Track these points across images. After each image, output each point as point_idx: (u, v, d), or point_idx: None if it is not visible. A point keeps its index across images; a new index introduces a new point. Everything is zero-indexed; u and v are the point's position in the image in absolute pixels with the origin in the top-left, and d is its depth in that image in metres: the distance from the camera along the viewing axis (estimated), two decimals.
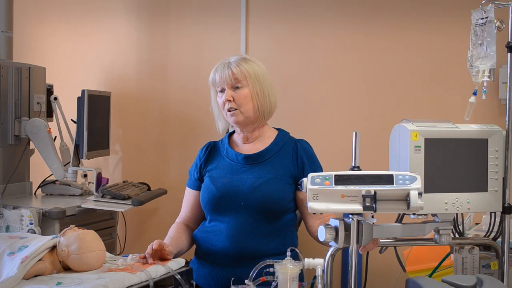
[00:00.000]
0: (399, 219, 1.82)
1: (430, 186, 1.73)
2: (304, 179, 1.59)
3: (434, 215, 1.77)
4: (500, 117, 2.71)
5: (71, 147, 3.32)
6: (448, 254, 2.00)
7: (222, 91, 2.24)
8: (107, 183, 3.33)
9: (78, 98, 3.25)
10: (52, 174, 3.21)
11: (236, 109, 2.21)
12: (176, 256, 2.07)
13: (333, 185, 1.56)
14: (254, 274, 1.76)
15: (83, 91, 3.23)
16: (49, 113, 3.37)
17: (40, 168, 3.33)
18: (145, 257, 1.91)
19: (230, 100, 2.20)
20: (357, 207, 1.56)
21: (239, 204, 2.17)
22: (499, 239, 1.87)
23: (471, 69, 1.87)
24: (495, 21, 1.81)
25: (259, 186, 2.17)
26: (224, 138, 2.36)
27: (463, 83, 2.69)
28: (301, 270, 1.75)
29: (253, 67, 2.24)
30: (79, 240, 1.83)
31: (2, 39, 3.25)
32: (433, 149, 1.74)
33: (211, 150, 2.34)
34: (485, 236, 1.91)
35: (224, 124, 2.31)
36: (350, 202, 1.56)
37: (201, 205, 2.27)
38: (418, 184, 1.55)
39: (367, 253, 1.93)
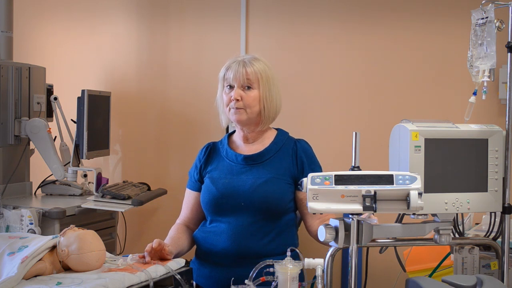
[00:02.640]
0: (399, 219, 1.82)
1: (430, 186, 1.73)
2: (304, 179, 1.58)
3: (434, 215, 1.77)
4: (500, 117, 2.71)
5: (71, 147, 3.32)
6: (448, 254, 2.00)
7: (231, 87, 2.23)
8: (107, 183, 3.33)
9: (78, 98, 3.25)
10: (52, 174, 3.21)
11: (241, 108, 2.21)
12: (176, 256, 2.07)
13: (333, 185, 1.56)
14: (254, 274, 1.76)
15: (83, 91, 3.23)
16: (49, 113, 3.37)
17: (40, 168, 3.33)
18: (144, 257, 1.91)
19: (238, 99, 2.20)
20: (357, 207, 1.56)
21: (239, 205, 2.17)
22: (499, 239, 1.87)
23: (471, 69, 1.86)
24: (495, 21, 1.81)
25: (259, 186, 2.17)
26: (223, 139, 2.36)
27: (463, 83, 2.69)
28: (301, 270, 1.75)
29: (265, 69, 2.24)
30: (79, 240, 1.83)
31: (2, 39, 3.25)
32: (433, 149, 1.74)
33: (211, 151, 2.34)
34: (485, 236, 1.91)
35: (227, 119, 2.30)
36: (350, 202, 1.56)
37: (201, 206, 2.27)
38: (418, 184, 1.55)
39: (367, 253, 1.93)
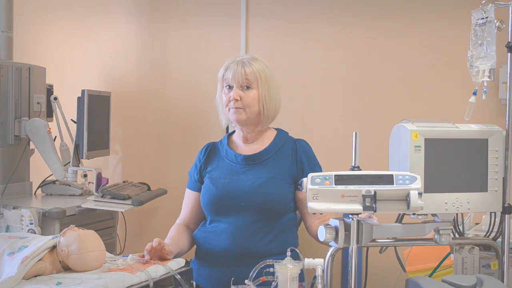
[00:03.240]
0: (399, 219, 1.82)
1: (430, 186, 1.73)
2: (304, 179, 1.59)
3: (434, 215, 1.77)
4: (500, 117, 2.69)
5: (71, 147, 3.32)
6: (448, 254, 2.00)
7: (230, 87, 2.23)
8: (107, 183, 3.33)
9: (78, 98, 3.25)
10: (52, 174, 3.21)
11: (240, 108, 2.21)
12: (176, 256, 2.07)
13: (333, 185, 1.56)
14: (254, 274, 1.76)
15: (83, 91, 3.22)
16: (49, 113, 3.37)
17: (40, 168, 3.33)
18: (144, 256, 1.91)
19: (237, 99, 2.20)
20: (357, 207, 1.56)
21: (239, 205, 2.17)
22: (499, 239, 1.87)
23: (471, 69, 1.86)
24: (495, 21, 1.81)
25: (259, 186, 2.17)
26: (223, 139, 2.36)
27: (463, 83, 2.69)
28: (301, 270, 1.75)
29: (264, 69, 2.24)
30: (79, 240, 1.83)
31: (2, 39, 3.25)
32: (433, 149, 1.74)
33: (211, 151, 2.34)
34: (485, 236, 1.91)
35: (227, 119, 2.30)
36: (350, 202, 1.56)
37: (201, 206, 2.27)
38: (418, 184, 1.55)
39: (367, 253, 1.93)
